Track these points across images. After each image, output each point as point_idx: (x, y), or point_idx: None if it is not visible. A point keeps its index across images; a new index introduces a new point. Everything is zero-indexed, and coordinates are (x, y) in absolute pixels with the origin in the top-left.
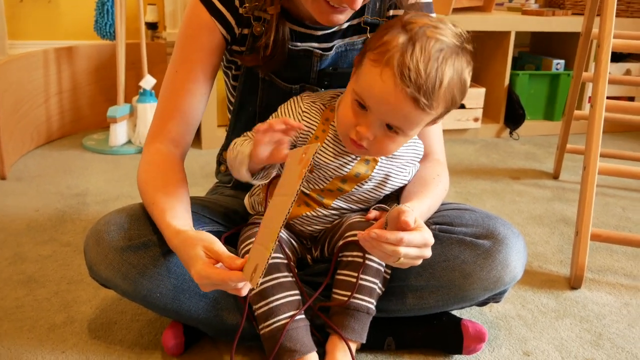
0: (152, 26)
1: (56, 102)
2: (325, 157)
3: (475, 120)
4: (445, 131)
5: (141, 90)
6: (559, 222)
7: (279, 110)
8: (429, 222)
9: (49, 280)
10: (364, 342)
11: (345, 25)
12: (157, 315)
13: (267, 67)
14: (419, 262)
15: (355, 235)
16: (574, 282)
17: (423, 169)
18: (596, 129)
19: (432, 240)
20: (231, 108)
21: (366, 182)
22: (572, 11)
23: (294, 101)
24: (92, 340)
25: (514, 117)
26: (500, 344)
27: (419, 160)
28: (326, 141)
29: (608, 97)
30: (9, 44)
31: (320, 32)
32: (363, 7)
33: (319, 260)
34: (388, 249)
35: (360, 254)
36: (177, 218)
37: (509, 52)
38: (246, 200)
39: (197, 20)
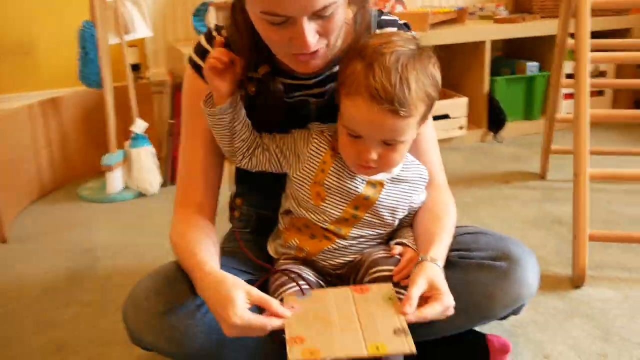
0: (134, 67)
1: (46, 154)
2: (336, 182)
3: (461, 128)
4: None
5: (133, 135)
6: (553, 223)
7: (293, 134)
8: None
9: (79, 345)
10: None
11: (336, 69)
12: None
13: (267, 124)
14: None
15: (380, 271)
16: (576, 283)
17: (431, 201)
18: (583, 139)
19: (451, 304)
20: None
21: (376, 206)
22: (540, 15)
23: (306, 129)
24: None
25: (496, 121)
26: (521, 351)
27: (425, 183)
28: (334, 167)
29: None
30: None
31: (312, 80)
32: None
33: None
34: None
35: None
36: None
37: (486, 60)
38: (269, 246)
39: (193, 88)
